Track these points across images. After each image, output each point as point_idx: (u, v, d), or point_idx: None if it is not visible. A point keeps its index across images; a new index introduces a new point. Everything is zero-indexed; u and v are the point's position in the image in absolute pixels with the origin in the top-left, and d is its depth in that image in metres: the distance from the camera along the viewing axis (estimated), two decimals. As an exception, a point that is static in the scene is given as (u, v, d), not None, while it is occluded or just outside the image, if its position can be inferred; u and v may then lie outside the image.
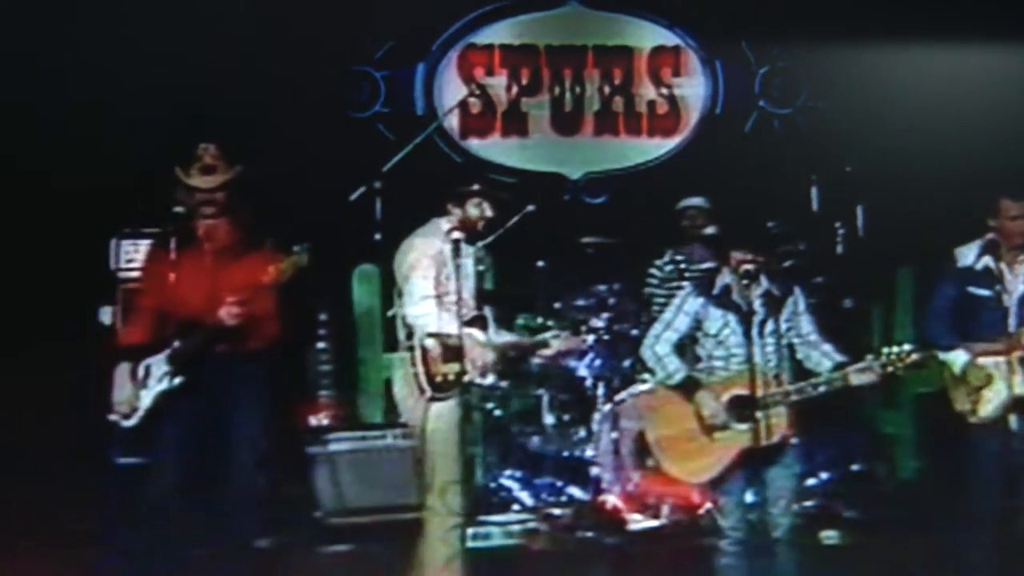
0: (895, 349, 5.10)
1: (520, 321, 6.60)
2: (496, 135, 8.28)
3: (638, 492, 6.62)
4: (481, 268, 6.43)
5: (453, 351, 5.32)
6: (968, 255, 5.75)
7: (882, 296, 7.60)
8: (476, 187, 5.45)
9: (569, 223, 7.69)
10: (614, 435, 6.82)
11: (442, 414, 5.38)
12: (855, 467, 7.08)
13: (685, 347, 5.49)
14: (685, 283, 6.34)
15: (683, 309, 5.42)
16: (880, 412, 7.37)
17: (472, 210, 5.53)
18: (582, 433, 7.02)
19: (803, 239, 7.11)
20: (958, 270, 5.73)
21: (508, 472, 7.00)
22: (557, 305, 7.03)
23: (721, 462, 5.23)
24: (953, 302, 5.61)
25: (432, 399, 5.34)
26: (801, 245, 7.07)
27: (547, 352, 5.73)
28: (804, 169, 7.70)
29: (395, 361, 5.47)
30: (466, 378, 5.31)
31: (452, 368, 5.32)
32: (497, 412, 7.08)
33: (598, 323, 7.05)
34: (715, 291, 5.35)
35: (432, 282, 5.38)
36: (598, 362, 7.06)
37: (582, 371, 7.07)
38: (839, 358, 5.27)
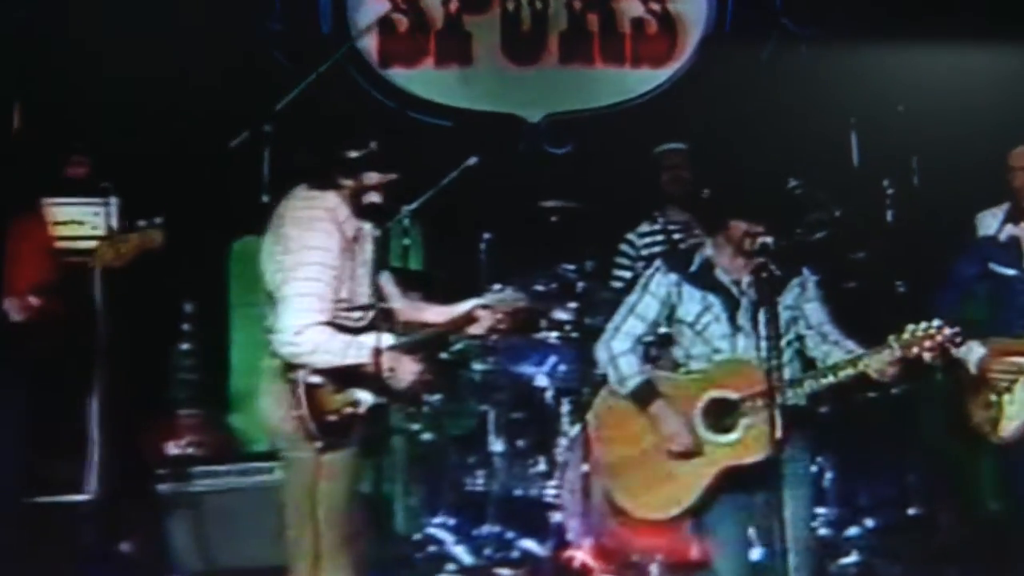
0: (922, 325, 5.03)
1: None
2: (428, 63, 8.22)
3: (616, 545, 6.57)
4: (405, 242, 6.69)
5: (349, 375, 5.06)
6: (992, 222, 5.87)
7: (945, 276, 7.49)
8: (372, 147, 5.15)
9: (525, 181, 7.69)
10: (584, 468, 6.69)
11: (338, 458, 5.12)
12: (912, 511, 7.07)
13: (663, 343, 5.56)
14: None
15: (649, 290, 5.34)
16: (946, 432, 7.15)
17: (372, 176, 5.23)
18: (541, 465, 6.98)
19: (838, 203, 7.06)
20: (979, 241, 5.81)
21: (440, 519, 6.99)
22: (508, 291, 6.63)
23: (698, 487, 5.17)
24: (971, 283, 5.71)
25: (326, 448, 5.05)
26: (836, 211, 7.01)
27: (478, 328, 5.37)
28: (840, 110, 7.59)
29: (265, 373, 5.15)
30: (370, 401, 5.10)
31: (349, 399, 5.07)
32: (425, 436, 7.05)
33: (562, 315, 7.00)
34: (692, 267, 5.29)
35: (319, 299, 5.01)
36: (563, 368, 7.03)
37: (541, 379, 7.05)
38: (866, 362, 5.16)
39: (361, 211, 5.21)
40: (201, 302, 7.16)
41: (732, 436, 5.17)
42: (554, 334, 6.96)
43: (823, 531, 6.63)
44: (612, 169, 7.75)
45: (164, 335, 7.05)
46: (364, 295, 5.18)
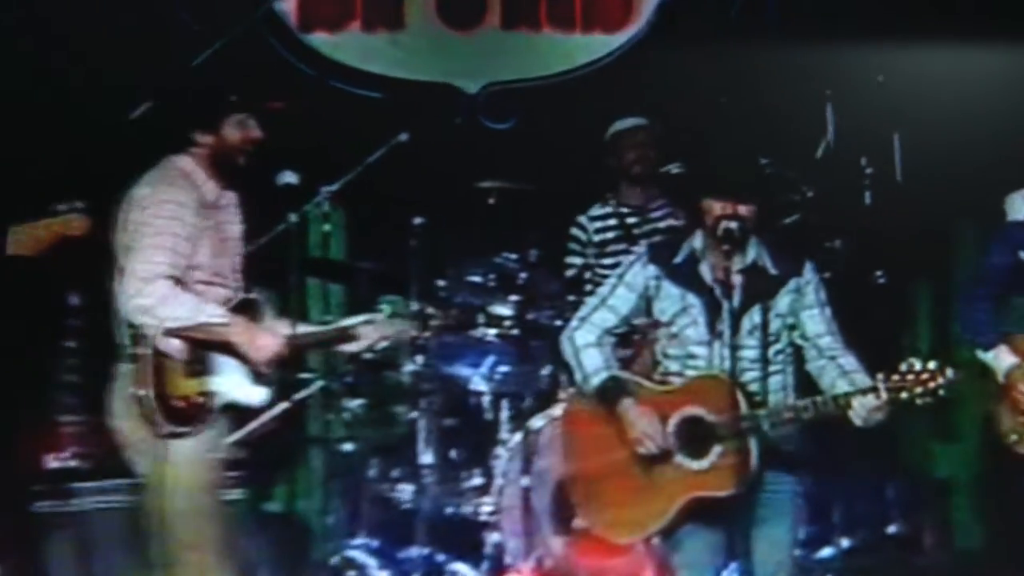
0: (916, 365, 4.98)
1: (385, 307, 6.31)
2: (355, 27, 8.09)
3: (561, 568, 6.57)
4: (325, 229, 6.71)
5: (205, 357, 5.13)
6: (1022, 205, 5.97)
7: (931, 267, 7.67)
8: (233, 100, 5.25)
9: (462, 160, 7.60)
10: (525, 481, 6.68)
11: (193, 454, 5.14)
12: (891, 529, 7.05)
13: (638, 341, 5.68)
14: (635, 247, 6.47)
15: (625, 280, 5.31)
16: (929, 445, 7.40)
17: (231, 132, 5.26)
18: (476, 479, 6.90)
19: (811, 183, 7.08)
20: (1010, 228, 5.84)
21: (361, 540, 6.90)
22: (441, 283, 6.94)
23: (664, 513, 5.16)
24: (1001, 276, 5.70)
25: (171, 434, 5.10)
26: (808, 191, 7.01)
27: (355, 345, 5.51)
28: (815, 80, 7.58)
29: (121, 375, 5.23)
30: (226, 397, 5.15)
31: (202, 386, 5.12)
32: (345, 446, 6.94)
33: (502, 310, 6.94)
34: (677, 258, 5.26)
35: (171, 252, 5.11)
36: (503, 369, 6.99)
37: (478, 382, 7.01)
38: (863, 380, 5.11)
39: (223, 175, 5.25)
40: (88, 295, 7.01)
41: (704, 463, 5.14)
42: (493, 331, 6.90)
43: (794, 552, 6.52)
44: (560, 146, 7.71)
45: (46, 331, 7.00)
46: (228, 272, 5.22)
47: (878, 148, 7.48)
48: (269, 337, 5.17)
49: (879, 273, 7.23)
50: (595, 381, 5.24)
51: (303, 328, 5.42)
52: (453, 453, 7.02)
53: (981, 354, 5.70)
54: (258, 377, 5.23)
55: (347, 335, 5.46)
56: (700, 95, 7.57)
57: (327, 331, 5.51)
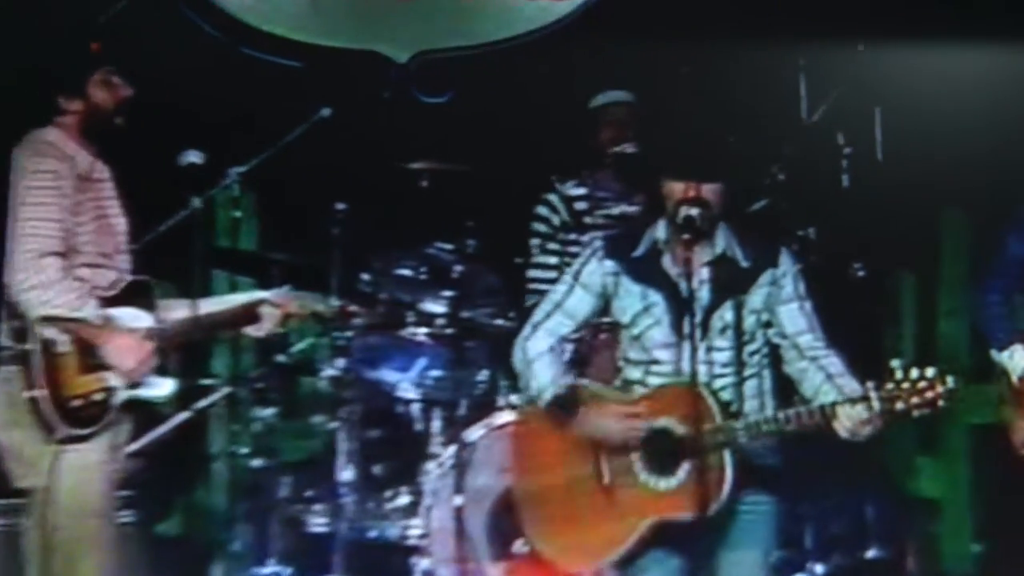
0: (913, 374, 4.93)
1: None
2: None
3: None
4: (235, 215, 6.71)
5: (97, 352, 5.12)
6: None
7: (917, 258, 7.67)
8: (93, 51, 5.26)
9: (391, 137, 7.50)
10: (458, 500, 6.61)
11: (87, 467, 5.12)
12: (870, 554, 7.02)
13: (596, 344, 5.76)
14: (583, 237, 6.68)
15: (581, 280, 5.27)
16: (914, 460, 7.35)
17: (98, 92, 5.23)
18: (403, 498, 6.82)
19: (782, 163, 7.09)
20: None
21: (271, 568, 6.83)
22: (366, 276, 6.93)
23: (625, 538, 5.14)
24: (1019, 268, 5.75)
25: (68, 439, 5.06)
26: (779, 173, 7.01)
27: (257, 329, 5.46)
28: (788, 49, 7.61)
29: (3, 380, 5.19)
30: (128, 393, 5.14)
31: (99, 381, 5.10)
32: (254, 462, 6.87)
33: (435, 307, 6.90)
34: (638, 251, 5.22)
35: (56, 225, 5.10)
36: (434, 373, 6.92)
37: (406, 389, 6.94)
38: (850, 385, 5.08)
39: (96, 143, 5.26)
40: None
41: (671, 481, 5.11)
42: (423, 331, 6.87)
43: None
44: (500, 123, 7.64)
45: None
46: (112, 251, 5.23)
47: (857, 124, 7.49)
48: (133, 341, 5.15)
49: (858, 265, 7.23)
50: (549, 393, 5.22)
51: (179, 313, 5.33)
52: (377, 469, 6.95)
53: (995, 354, 5.67)
54: (162, 369, 5.24)
55: (248, 314, 5.41)
56: (657, 66, 7.52)
57: (217, 313, 5.40)
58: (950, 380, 4.90)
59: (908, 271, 7.71)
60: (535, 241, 7.25)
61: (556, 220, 7.28)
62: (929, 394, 4.91)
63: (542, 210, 7.28)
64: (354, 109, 7.12)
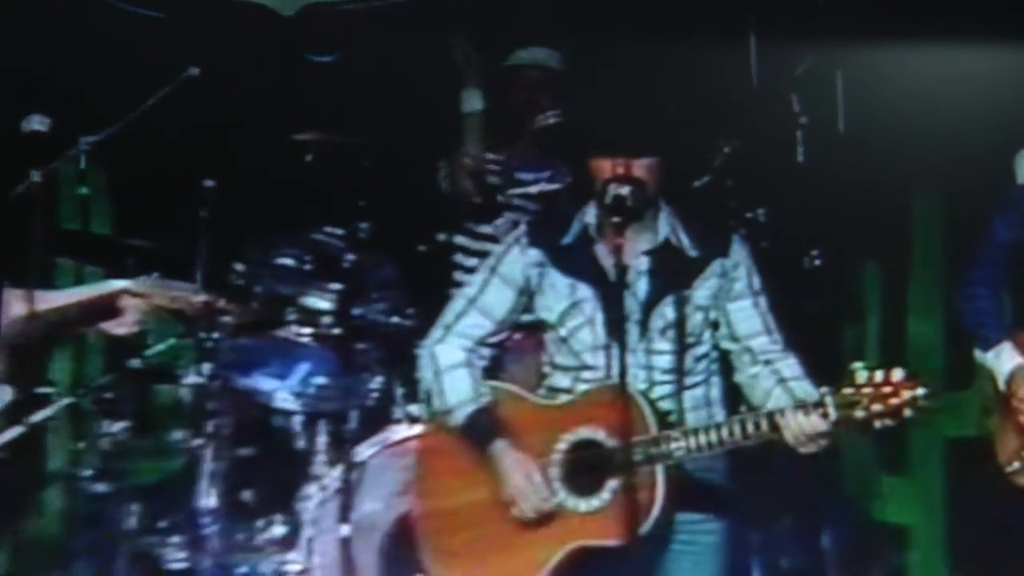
0: (877, 375, 4.90)
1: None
2: None
3: None
4: (82, 192, 6.44)
5: None
6: None
7: (884, 248, 7.68)
8: None
9: (271, 103, 7.47)
10: (345, 530, 6.52)
11: None
12: None
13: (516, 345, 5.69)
14: (497, 220, 6.88)
15: (500, 272, 5.26)
16: (880, 479, 7.36)
17: None
18: (279, 528, 6.73)
19: (730, 134, 7.07)
20: (1019, 193, 5.95)
21: None
22: (239, 266, 6.87)
23: (540, 568, 5.12)
24: (1008, 256, 5.82)
25: None
26: (725, 145, 7.00)
27: (118, 325, 5.42)
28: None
29: None
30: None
31: None
32: (98, 487, 6.73)
33: (321, 302, 6.82)
34: (566, 238, 5.21)
35: None
36: (319, 381, 6.85)
37: (285, 399, 6.84)
38: (805, 390, 5.09)
39: None
40: None
41: (594, 501, 5.08)
42: (307, 331, 6.77)
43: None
44: (399, 88, 7.60)
45: None
46: None
47: (816, 90, 7.50)
48: None
49: (814, 253, 7.24)
50: (462, 414, 5.17)
51: (14, 308, 5.24)
52: (248, 494, 6.86)
53: (980, 355, 5.69)
54: None
55: (95, 309, 5.35)
56: (585, 23, 7.49)
57: (62, 307, 5.33)
58: (919, 386, 4.83)
59: (873, 260, 7.71)
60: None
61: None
62: (893, 401, 4.85)
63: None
64: (229, 70, 7.07)
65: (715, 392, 5.19)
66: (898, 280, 7.67)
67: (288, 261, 6.88)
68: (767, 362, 5.18)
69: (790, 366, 5.15)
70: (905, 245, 7.65)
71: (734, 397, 5.25)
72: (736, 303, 5.19)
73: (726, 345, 5.19)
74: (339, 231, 6.89)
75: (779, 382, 5.12)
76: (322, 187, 7.05)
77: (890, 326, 7.63)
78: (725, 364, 5.21)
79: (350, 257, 6.80)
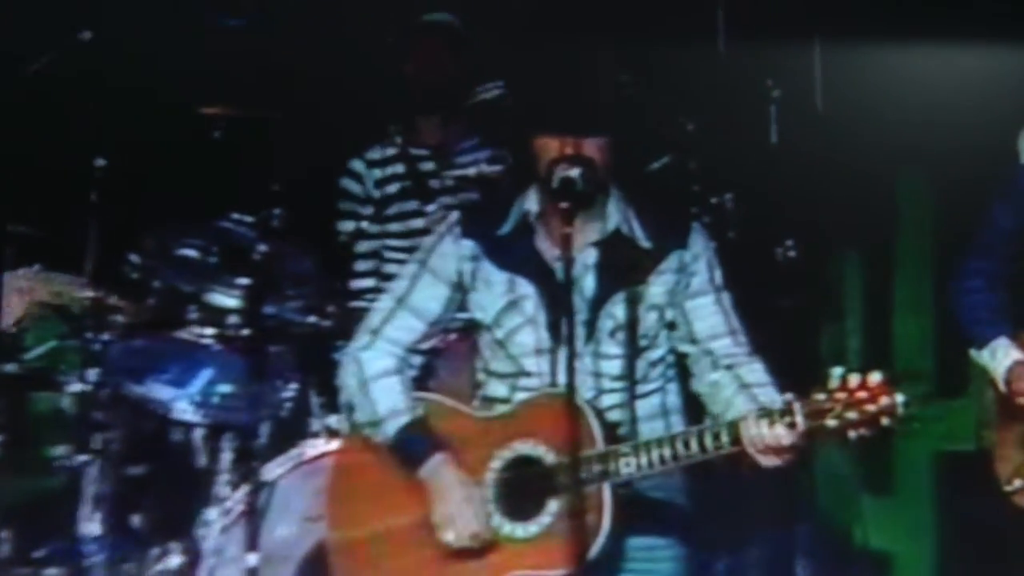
0: (849, 380, 4.84)
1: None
2: None
3: None
4: None
5: None
6: None
7: (866, 237, 7.68)
8: None
9: (173, 72, 7.37)
10: (252, 560, 6.39)
11: None
12: None
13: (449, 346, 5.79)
14: (431, 207, 6.83)
15: (430, 266, 5.27)
16: (860, 499, 7.33)
17: None
18: (175, 558, 6.60)
19: (692, 110, 7.07)
20: (1022, 175, 5.96)
21: None
22: (133, 258, 6.73)
23: None
24: (1009, 243, 5.85)
25: None
26: (688, 123, 6.99)
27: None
28: None
29: None
30: None
31: None
32: None
33: (227, 299, 6.70)
34: (503, 228, 5.20)
35: None
36: (223, 389, 6.75)
37: (184, 410, 6.70)
38: (771, 398, 5.03)
39: None
40: None
41: (533, 527, 5.05)
42: (210, 332, 6.66)
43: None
44: (320, 55, 7.61)
45: None
46: None
47: (790, 61, 7.52)
48: None
49: (788, 243, 7.22)
50: (391, 429, 5.11)
51: None
52: (138, 519, 6.74)
53: (975, 354, 5.66)
54: None
55: None
56: None
57: None
58: (899, 391, 4.76)
59: (854, 250, 7.76)
60: (348, 207, 7.23)
61: (360, 192, 7.26)
62: (869, 407, 4.76)
63: (345, 182, 7.22)
64: (125, 33, 7.03)
65: (672, 401, 5.16)
66: (882, 273, 7.70)
67: (190, 252, 6.77)
68: (729, 367, 5.13)
69: (754, 371, 5.11)
70: (890, 234, 7.67)
71: (696, 407, 5.19)
72: (695, 300, 5.15)
73: (684, 348, 5.15)
74: (249, 218, 6.77)
75: (741, 388, 5.08)
76: (231, 168, 7.01)
77: (874, 325, 7.66)
78: (684, 369, 5.20)
79: (261, 248, 6.67)
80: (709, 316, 5.18)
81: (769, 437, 4.85)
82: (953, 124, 7.10)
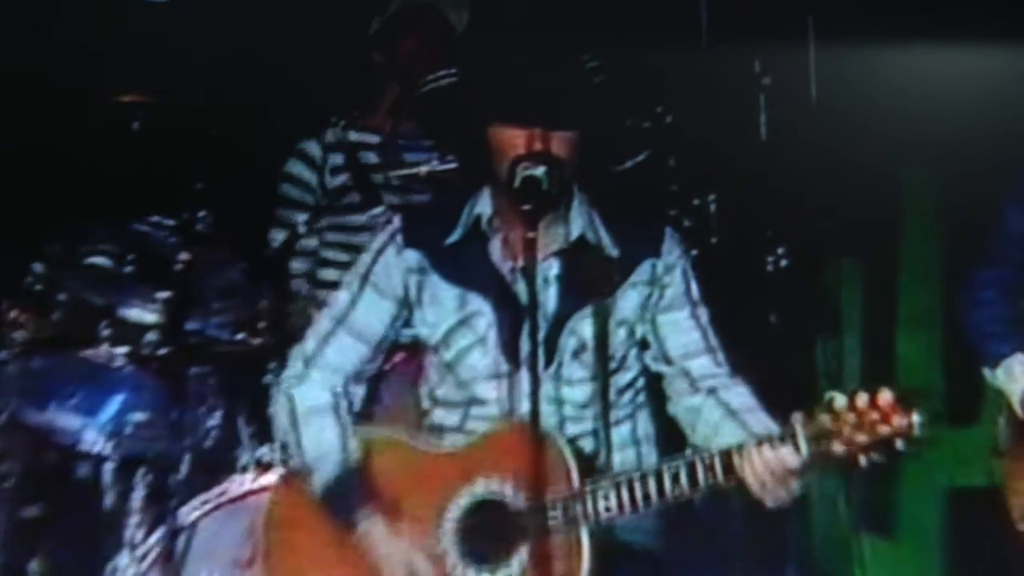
0: (857, 399, 4.74)
1: None
2: None
3: None
4: None
5: None
6: None
7: (866, 244, 7.63)
8: None
9: (83, 55, 7.27)
10: None
11: None
12: None
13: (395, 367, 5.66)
14: (376, 212, 6.80)
15: (372, 281, 5.24)
16: (860, 540, 7.24)
17: None
18: None
19: (670, 100, 6.93)
20: None
21: None
22: (37, 267, 6.52)
23: None
24: (1023, 253, 5.90)
25: None
26: (667, 114, 6.89)
27: None
28: None
29: None
30: None
31: None
32: None
33: (144, 314, 6.46)
34: (452, 236, 5.18)
35: None
36: (137, 418, 6.53)
37: (92, 441, 6.50)
38: (762, 423, 5.01)
39: None
40: None
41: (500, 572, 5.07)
42: (124, 351, 6.41)
43: None
44: (253, 36, 7.44)
45: None
46: None
47: (782, 45, 7.44)
48: None
49: (780, 251, 7.17)
50: (322, 476, 5.06)
51: None
52: (36, 566, 6.54)
53: (988, 373, 5.65)
54: None
55: None
56: None
57: None
58: (915, 409, 4.63)
59: (853, 258, 7.70)
60: (296, 195, 7.17)
61: (312, 180, 7.21)
62: (882, 429, 4.65)
63: (294, 166, 7.19)
64: (30, 8, 7.06)
65: (644, 429, 5.12)
66: (884, 284, 7.67)
67: (102, 260, 6.53)
68: (711, 390, 5.06)
69: (739, 394, 5.04)
70: (893, 240, 7.65)
71: (672, 436, 5.14)
72: (669, 315, 5.10)
73: (657, 368, 5.09)
74: (170, 221, 6.56)
75: (728, 414, 5.02)
76: (150, 163, 6.83)
77: (875, 343, 7.65)
78: (655, 392, 5.14)
79: (184, 256, 6.45)
80: (685, 332, 5.12)
81: (773, 464, 4.76)
82: (963, 119, 7.02)
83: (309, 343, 5.21)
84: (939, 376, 7.15)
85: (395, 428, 5.22)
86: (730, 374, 5.10)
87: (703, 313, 5.13)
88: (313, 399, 5.14)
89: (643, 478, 4.86)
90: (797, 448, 4.73)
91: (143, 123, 6.66)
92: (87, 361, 6.47)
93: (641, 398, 5.15)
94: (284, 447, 5.27)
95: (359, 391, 5.19)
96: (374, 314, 5.17)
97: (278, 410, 5.21)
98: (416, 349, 5.36)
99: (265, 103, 7.31)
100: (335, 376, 5.16)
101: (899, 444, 4.64)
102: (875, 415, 4.69)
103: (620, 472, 4.95)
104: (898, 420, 4.65)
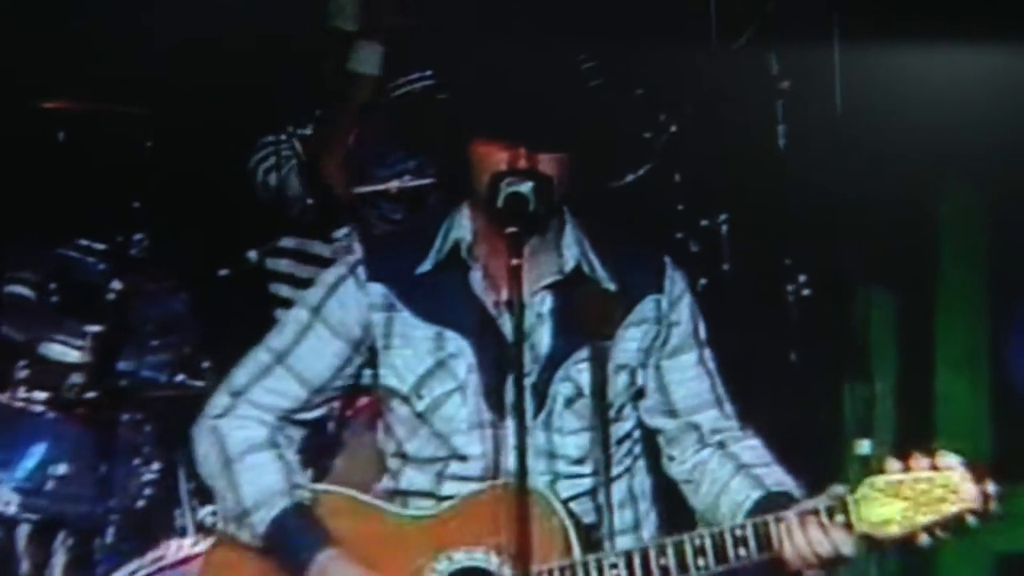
0: (917, 461, 4.52)
1: None
2: None
3: None
4: None
5: None
6: None
7: (900, 273, 7.54)
8: None
9: (8, 58, 7.32)
10: None
11: None
12: None
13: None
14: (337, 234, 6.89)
15: (324, 316, 5.06)
16: None
17: None
18: None
19: (676, 107, 7.03)
20: None
21: None
22: None
23: None
24: None
25: None
26: (671, 123, 6.97)
27: None
28: None
29: None
30: None
31: None
32: None
33: (68, 352, 6.57)
34: (424, 264, 5.00)
35: None
36: (59, 471, 6.55)
37: (6, 500, 6.51)
38: (778, 481, 4.88)
39: None
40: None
41: None
42: (43, 395, 6.49)
43: None
44: (201, 34, 7.38)
45: None
46: None
47: (802, 47, 7.43)
48: None
49: (801, 279, 7.08)
50: (264, 516, 4.84)
51: None
52: None
53: None
54: None
55: None
56: None
57: None
58: (987, 478, 4.42)
59: (884, 288, 7.59)
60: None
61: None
62: (950, 506, 4.46)
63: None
64: None
65: (640, 484, 4.97)
66: (920, 317, 7.63)
67: (22, 290, 6.71)
68: (720, 444, 4.94)
69: (751, 447, 4.91)
70: (930, 266, 7.62)
71: (672, 494, 5.02)
72: (675, 359, 4.96)
73: (657, 422, 4.93)
74: (101, 245, 6.75)
75: (739, 469, 4.88)
76: (79, 179, 6.93)
77: (910, 385, 7.57)
78: (651, 447, 5.02)
79: (116, 285, 6.61)
80: (694, 380, 5.00)
81: (822, 544, 4.58)
82: (1009, 128, 7.03)
83: (238, 377, 5.01)
84: (985, 424, 6.92)
85: (355, 487, 5.05)
86: (739, 426, 4.97)
87: (710, 357, 5.03)
88: (243, 434, 4.94)
89: (661, 550, 4.69)
90: (850, 525, 4.59)
91: (70, 132, 6.77)
92: (2, 406, 6.50)
93: (637, 450, 4.99)
94: (216, 494, 5.06)
95: (296, 434, 4.98)
96: (320, 355, 4.97)
97: (203, 454, 5.00)
98: (378, 400, 5.19)
99: (212, 109, 7.34)
100: (266, 414, 4.97)
101: (970, 520, 4.48)
102: (940, 488, 4.56)
103: (631, 547, 4.76)
104: (968, 491, 4.50)
